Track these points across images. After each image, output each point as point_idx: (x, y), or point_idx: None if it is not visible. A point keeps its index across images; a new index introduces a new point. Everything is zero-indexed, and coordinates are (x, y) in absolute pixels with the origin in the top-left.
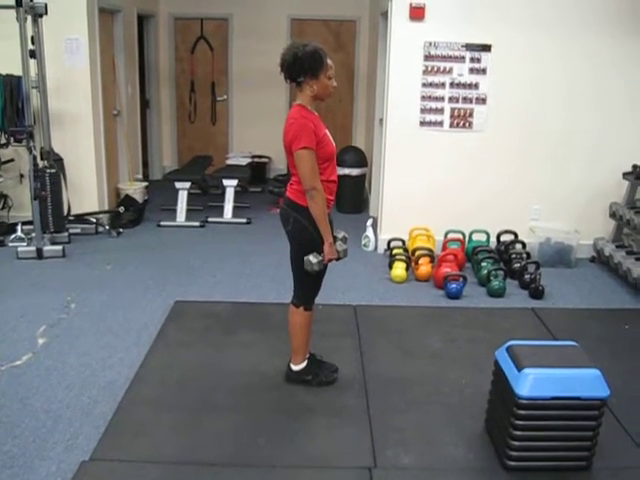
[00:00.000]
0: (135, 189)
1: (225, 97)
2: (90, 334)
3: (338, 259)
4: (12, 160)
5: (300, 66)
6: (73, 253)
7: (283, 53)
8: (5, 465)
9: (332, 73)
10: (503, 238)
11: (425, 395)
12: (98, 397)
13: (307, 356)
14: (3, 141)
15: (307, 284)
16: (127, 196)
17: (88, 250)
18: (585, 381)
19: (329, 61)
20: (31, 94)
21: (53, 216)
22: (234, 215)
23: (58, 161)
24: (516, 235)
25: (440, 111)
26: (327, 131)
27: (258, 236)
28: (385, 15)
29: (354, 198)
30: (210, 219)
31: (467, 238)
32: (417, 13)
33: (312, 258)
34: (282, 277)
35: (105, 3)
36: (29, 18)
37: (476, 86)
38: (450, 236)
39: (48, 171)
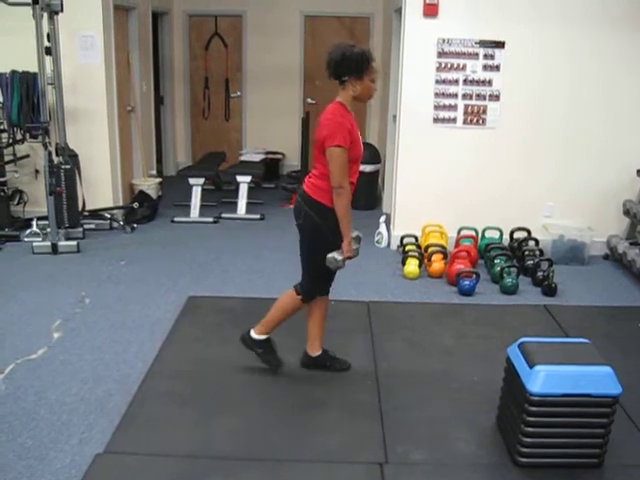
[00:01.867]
0: (149, 185)
1: (239, 93)
2: (104, 328)
3: (351, 257)
4: (27, 156)
5: (347, 65)
6: (87, 248)
7: (330, 51)
8: (20, 457)
9: (376, 77)
10: (516, 235)
11: (436, 391)
12: (112, 391)
13: (267, 335)
14: (19, 137)
15: (315, 279)
16: (141, 192)
17: (102, 245)
18: (597, 378)
19: (375, 64)
20: (47, 91)
21: (68, 212)
22: (247, 211)
23: (73, 157)
24: (529, 232)
25: (454, 108)
26: (359, 132)
27: (271, 232)
28: (399, 12)
29: (367, 195)
30: (223, 215)
31: (480, 235)
32: (431, 10)
33: (337, 255)
34: (294, 273)
35: (120, 0)
36: (45, 15)
37: (490, 83)
38: (463, 233)
39: (63, 167)
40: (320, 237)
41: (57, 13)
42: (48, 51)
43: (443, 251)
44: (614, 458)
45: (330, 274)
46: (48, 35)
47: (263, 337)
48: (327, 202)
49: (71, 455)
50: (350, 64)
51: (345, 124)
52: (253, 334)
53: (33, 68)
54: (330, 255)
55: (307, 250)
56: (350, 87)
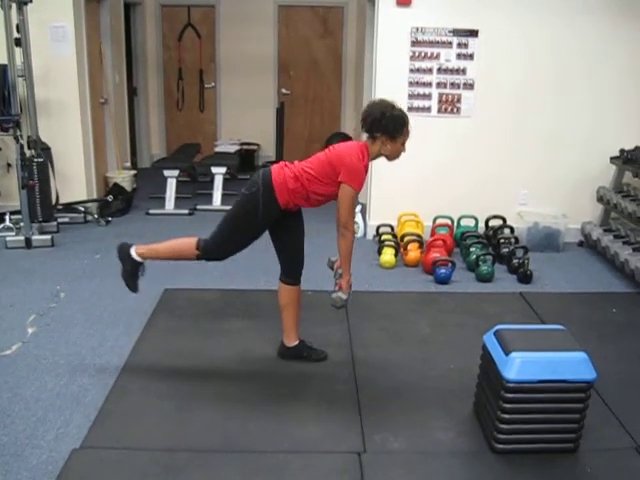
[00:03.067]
0: (123, 177)
1: (213, 84)
2: (80, 323)
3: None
4: None
5: (384, 125)
6: (62, 242)
7: (370, 106)
8: None
9: (407, 140)
10: (491, 223)
11: (414, 380)
12: (88, 385)
13: (143, 260)
14: None
15: (223, 243)
16: (115, 185)
17: (77, 239)
18: (572, 364)
19: (410, 128)
20: (17, 83)
21: (41, 205)
22: (223, 202)
23: (45, 150)
24: (504, 220)
25: (428, 97)
26: None
27: None
28: (372, 1)
29: None
30: (199, 207)
31: (456, 223)
32: None
33: (342, 295)
34: (271, 263)
35: None
36: (14, 6)
37: (464, 71)
38: (439, 222)
39: (35, 160)
40: (252, 215)
41: (26, 3)
42: (18, 42)
43: (419, 240)
44: (589, 443)
45: (240, 247)
46: (17, 26)
47: (139, 260)
48: (279, 198)
49: (47, 451)
50: (388, 125)
51: (363, 171)
52: (133, 252)
53: (3, 60)
54: (335, 295)
55: (234, 218)
56: (380, 144)
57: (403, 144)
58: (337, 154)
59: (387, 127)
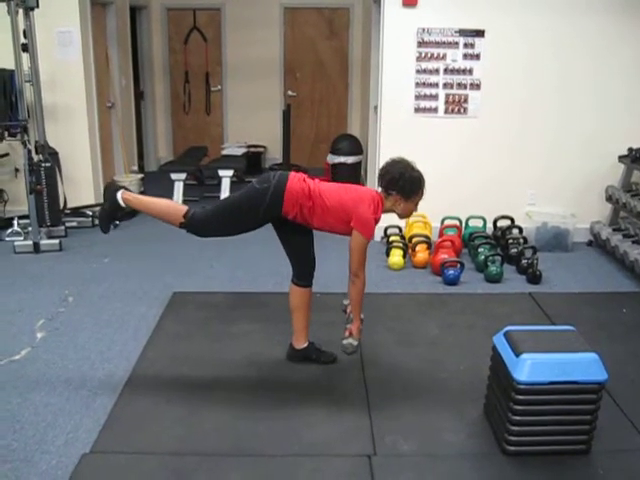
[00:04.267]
0: (131, 181)
1: (219, 87)
2: (88, 327)
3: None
4: (7, 154)
5: (401, 185)
6: (70, 246)
7: (390, 164)
8: (6, 459)
9: (420, 201)
10: (500, 224)
11: (423, 381)
12: (98, 390)
13: (127, 207)
14: None
15: (215, 217)
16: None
17: (85, 243)
18: (583, 365)
19: (424, 191)
20: (24, 88)
21: (49, 210)
22: None
23: (53, 155)
24: (513, 220)
25: (434, 97)
26: None
27: None
28: (378, 2)
29: None
30: None
31: (464, 224)
32: None
33: (353, 342)
34: (279, 267)
35: None
36: (20, 11)
37: (470, 72)
38: (447, 222)
39: (43, 165)
40: (254, 209)
41: (32, 9)
42: (25, 48)
43: (427, 241)
44: (601, 444)
45: (226, 233)
46: (24, 31)
47: (122, 204)
48: (285, 207)
49: (57, 456)
50: (404, 185)
51: (374, 223)
52: (119, 195)
53: (10, 65)
54: (347, 342)
55: (234, 205)
56: (393, 201)
57: (416, 204)
58: (352, 200)
59: (404, 188)
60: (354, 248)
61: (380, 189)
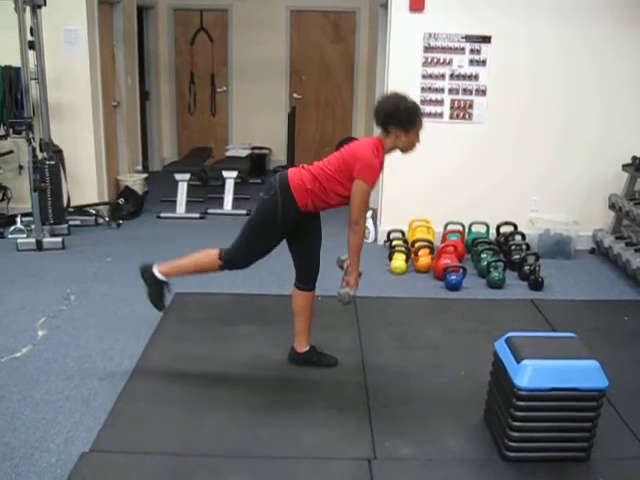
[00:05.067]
0: (135, 181)
1: (225, 88)
2: (90, 326)
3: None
4: (11, 152)
5: (398, 118)
6: (73, 245)
7: (382, 101)
8: (5, 457)
9: (420, 130)
10: (503, 230)
11: (424, 386)
12: (98, 389)
13: (167, 278)
14: (2, 133)
15: (244, 251)
16: (127, 188)
17: (88, 242)
18: (584, 372)
19: (422, 119)
20: (30, 85)
21: (52, 208)
22: (234, 207)
23: (57, 153)
24: (516, 227)
25: (440, 102)
26: None
27: None
28: (385, 6)
29: None
30: (210, 211)
31: (467, 230)
32: (417, 4)
33: (350, 291)
34: (282, 269)
35: None
36: (28, 9)
37: (476, 77)
38: (450, 227)
39: (47, 163)
40: (271, 219)
41: (40, 7)
42: (31, 45)
43: (430, 246)
44: (601, 451)
45: (262, 253)
46: (31, 29)
47: (163, 278)
48: (298, 200)
49: (57, 454)
50: (401, 117)
51: (378, 166)
52: (155, 270)
53: (16, 63)
54: (343, 291)
55: (254, 223)
56: (394, 137)
57: (417, 135)
58: (352, 151)
59: (401, 120)
60: (355, 194)
61: (380, 130)
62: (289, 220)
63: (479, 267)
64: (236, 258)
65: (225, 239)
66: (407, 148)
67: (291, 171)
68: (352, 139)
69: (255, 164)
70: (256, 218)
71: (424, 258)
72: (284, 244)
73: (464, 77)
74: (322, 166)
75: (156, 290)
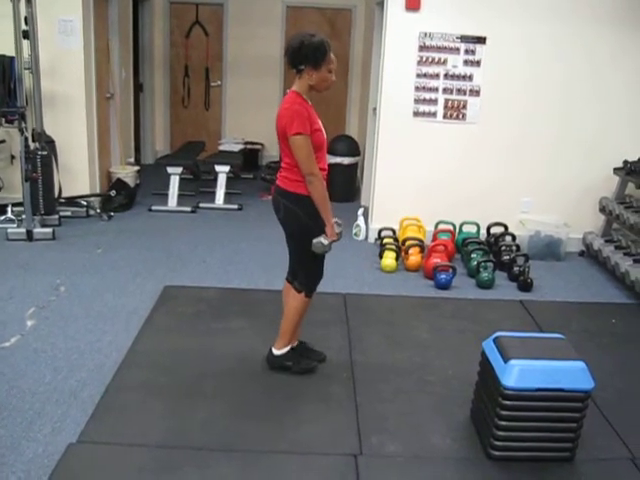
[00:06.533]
0: (127, 173)
1: (219, 83)
2: (79, 317)
3: (335, 240)
4: (3, 141)
5: (304, 54)
6: (63, 236)
7: (289, 40)
8: None
9: (333, 67)
10: (493, 230)
11: (412, 384)
12: (86, 380)
13: (293, 345)
14: None
15: (311, 269)
16: (119, 180)
17: (78, 233)
18: (570, 373)
19: (332, 55)
20: (24, 75)
21: (44, 198)
22: (225, 201)
23: (50, 143)
24: (506, 227)
25: (434, 102)
26: (319, 120)
27: (249, 223)
28: (381, 4)
29: (346, 187)
30: (201, 205)
31: (457, 229)
32: (413, 3)
33: (323, 240)
34: (272, 264)
35: None
36: None
37: (470, 78)
38: (440, 227)
39: (39, 153)
40: (304, 227)
41: None
42: (26, 35)
43: (420, 245)
44: (585, 452)
45: (322, 260)
46: (26, 19)
47: (286, 349)
48: (302, 191)
49: (44, 445)
50: (307, 53)
51: (303, 112)
52: (275, 351)
53: (10, 52)
54: (316, 240)
55: (296, 243)
56: (307, 76)
57: (330, 72)
58: (279, 126)
59: (307, 56)
60: (296, 150)
61: (295, 74)
62: (312, 213)
63: (469, 267)
64: (310, 280)
65: (216, 233)
66: (321, 86)
67: (278, 180)
68: (345, 136)
69: (248, 159)
70: (295, 237)
71: (414, 257)
72: (279, 239)
73: (458, 77)
74: (283, 157)
75: (295, 361)
